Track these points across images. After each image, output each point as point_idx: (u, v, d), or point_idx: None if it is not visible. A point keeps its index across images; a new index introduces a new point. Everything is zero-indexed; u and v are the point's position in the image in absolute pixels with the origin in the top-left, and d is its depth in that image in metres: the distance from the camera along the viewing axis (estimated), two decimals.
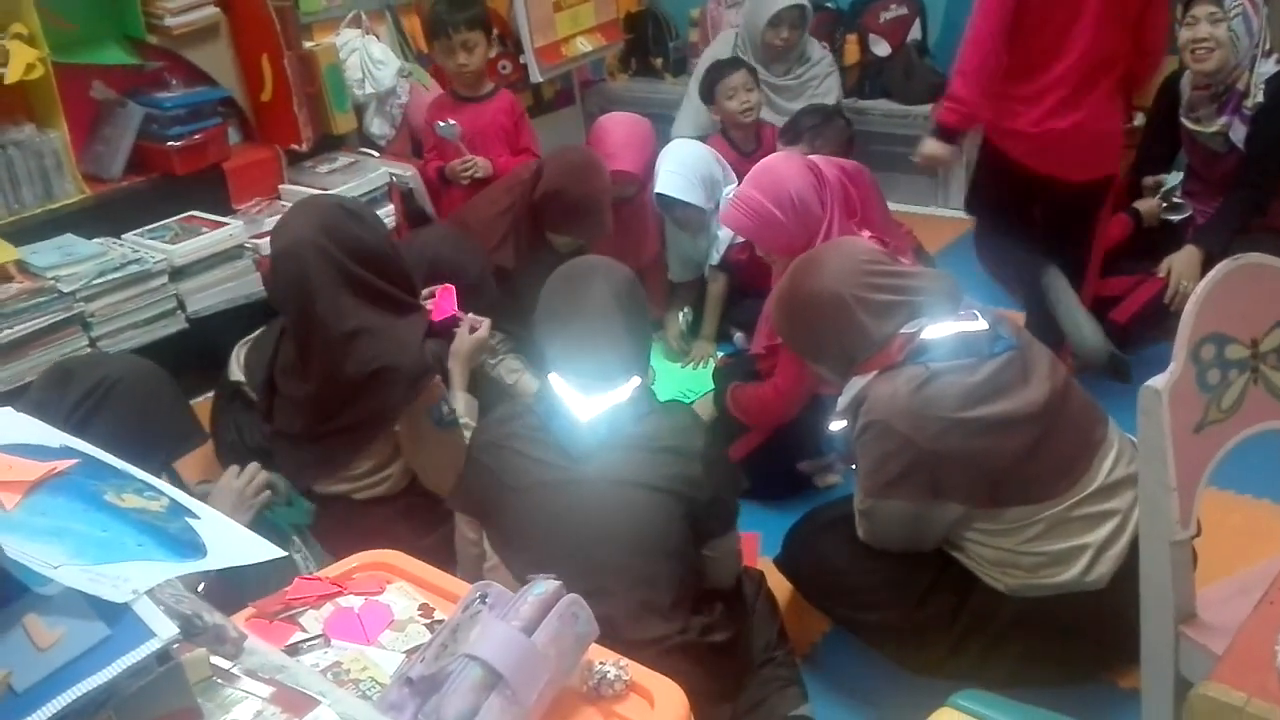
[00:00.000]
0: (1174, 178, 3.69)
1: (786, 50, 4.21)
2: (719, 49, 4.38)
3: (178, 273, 3.39)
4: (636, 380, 1.94)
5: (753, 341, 2.96)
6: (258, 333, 2.87)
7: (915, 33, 4.72)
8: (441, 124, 3.72)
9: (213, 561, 1.08)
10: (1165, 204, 3.62)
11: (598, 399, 1.90)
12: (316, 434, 2.44)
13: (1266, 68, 3.24)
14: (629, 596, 1.80)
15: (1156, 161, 3.72)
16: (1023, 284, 3.21)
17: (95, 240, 3.37)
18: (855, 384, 2.05)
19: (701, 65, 4.33)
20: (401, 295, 2.46)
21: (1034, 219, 3.19)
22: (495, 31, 4.16)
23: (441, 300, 2.61)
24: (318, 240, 2.34)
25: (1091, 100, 2.89)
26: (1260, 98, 3.23)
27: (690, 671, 1.66)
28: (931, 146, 3.09)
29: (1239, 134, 3.29)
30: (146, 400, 2.07)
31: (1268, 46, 3.26)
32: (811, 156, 3.07)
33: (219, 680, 1.19)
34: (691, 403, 3.20)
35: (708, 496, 1.91)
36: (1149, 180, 3.66)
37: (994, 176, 3.10)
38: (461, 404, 2.52)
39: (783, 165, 2.76)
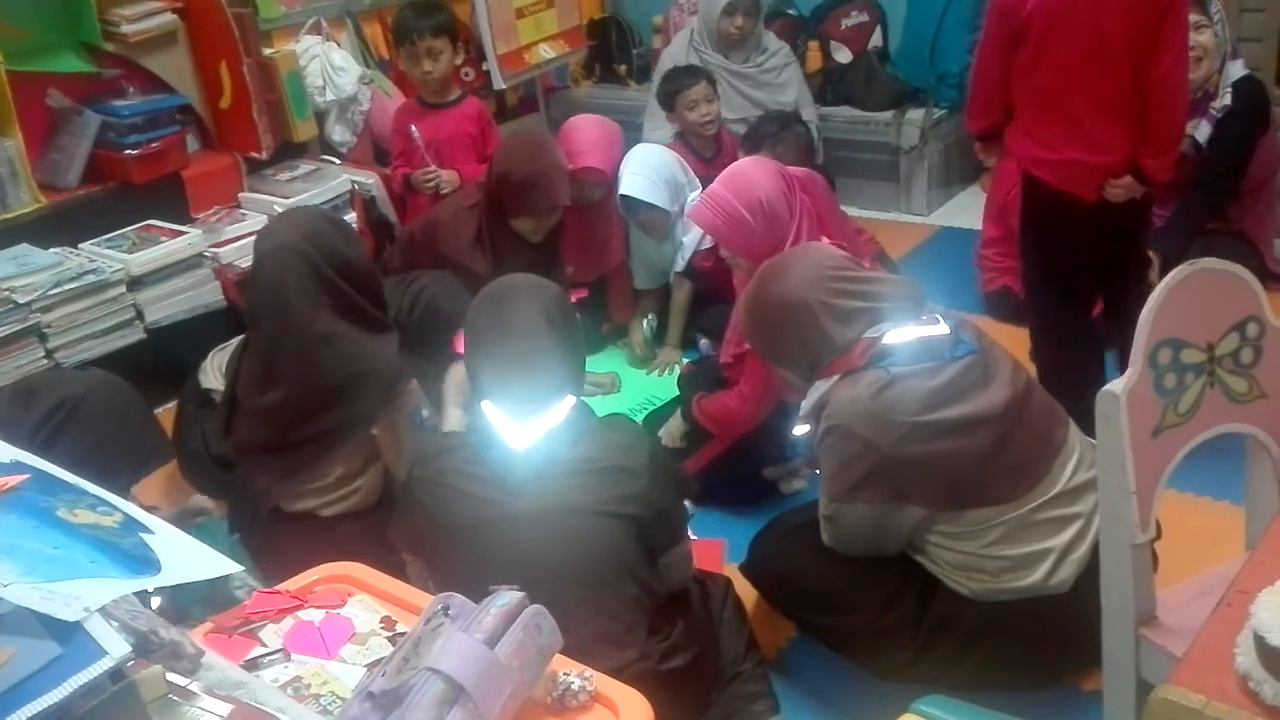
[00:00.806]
0: None
1: (743, 38, 4.23)
2: (676, 48, 4.40)
3: (136, 282, 3.36)
4: (571, 399, 1.90)
5: (721, 350, 2.96)
6: (235, 340, 2.85)
7: (876, 40, 4.76)
8: (416, 129, 3.69)
9: (167, 577, 1.07)
10: None
11: (532, 424, 1.86)
12: (285, 442, 2.39)
13: (1234, 70, 3.28)
14: (581, 630, 1.66)
15: None
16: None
17: (51, 250, 3.33)
18: (818, 388, 2.06)
19: (661, 67, 4.35)
20: (376, 314, 2.47)
21: (1082, 248, 2.92)
22: (461, 38, 4.15)
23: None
24: (300, 245, 2.35)
25: (1110, 135, 2.63)
26: (1228, 100, 3.27)
27: (653, 699, 1.60)
28: (980, 151, 3.11)
29: (1204, 134, 3.33)
30: (111, 418, 2.05)
31: (1230, 49, 3.30)
32: (746, 158, 3.10)
33: (175, 698, 1.17)
34: (658, 411, 3.19)
35: (654, 512, 1.88)
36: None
37: (1036, 208, 2.86)
38: (455, 420, 2.50)
39: (755, 170, 2.77)
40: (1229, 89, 3.28)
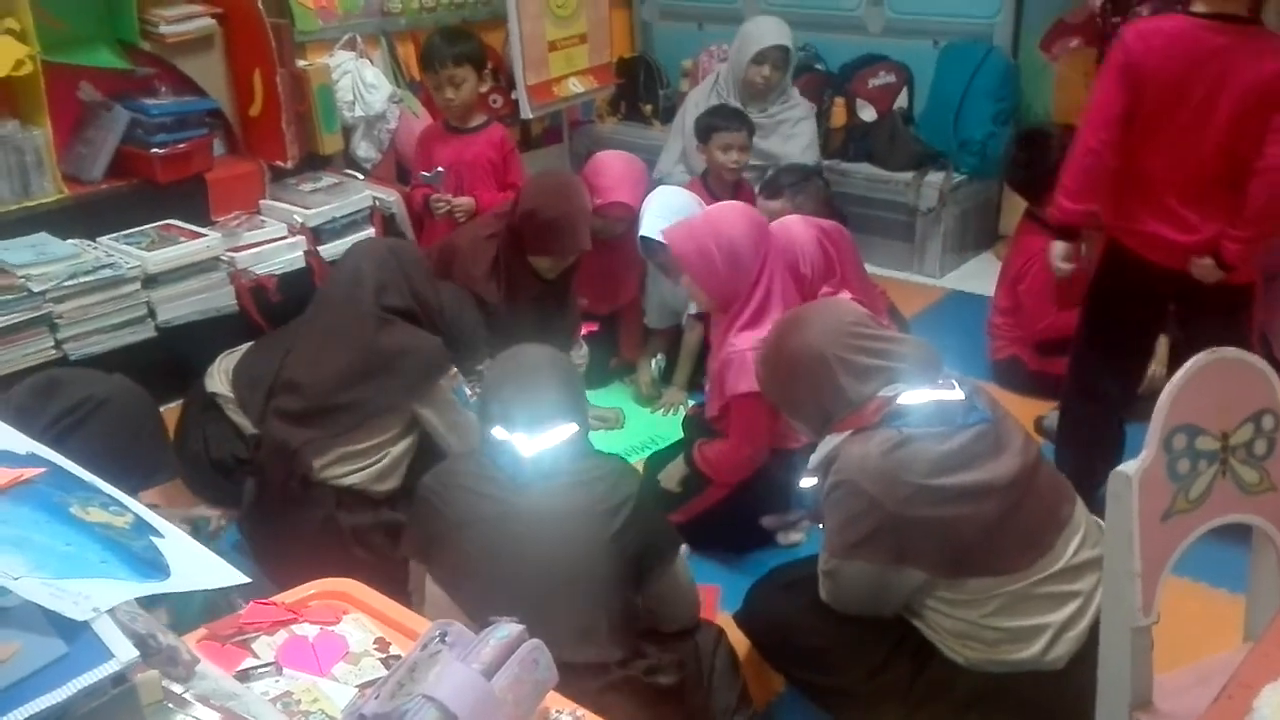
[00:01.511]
0: None
1: (767, 89, 4.26)
2: (699, 92, 4.43)
3: (151, 280, 3.37)
4: (574, 427, 2.03)
5: (706, 406, 2.96)
6: (245, 346, 2.86)
7: (902, 100, 4.80)
8: (426, 174, 3.73)
9: (176, 583, 1.06)
10: None
11: (539, 439, 1.99)
12: (326, 405, 2.52)
13: None
14: (569, 622, 1.85)
15: None
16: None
17: (70, 241, 3.34)
18: (829, 442, 2.06)
19: (685, 108, 4.38)
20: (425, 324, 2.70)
21: (1161, 321, 2.93)
22: (490, 66, 4.19)
23: None
24: (385, 246, 2.79)
25: (1195, 216, 2.60)
26: None
27: (635, 715, 1.75)
28: (1056, 249, 2.92)
29: None
30: (128, 426, 2.07)
31: None
32: (792, 215, 3.12)
33: (169, 704, 1.16)
34: (661, 452, 3.18)
35: (640, 529, 1.98)
36: None
37: (1116, 278, 2.80)
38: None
39: (734, 213, 2.86)
40: None
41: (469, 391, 2.60)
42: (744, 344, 2.68)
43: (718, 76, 4.40)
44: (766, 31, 4.22)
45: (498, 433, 2.01)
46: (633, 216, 3.57)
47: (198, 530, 2.35)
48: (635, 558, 1.98)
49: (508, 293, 3.24)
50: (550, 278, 3.30)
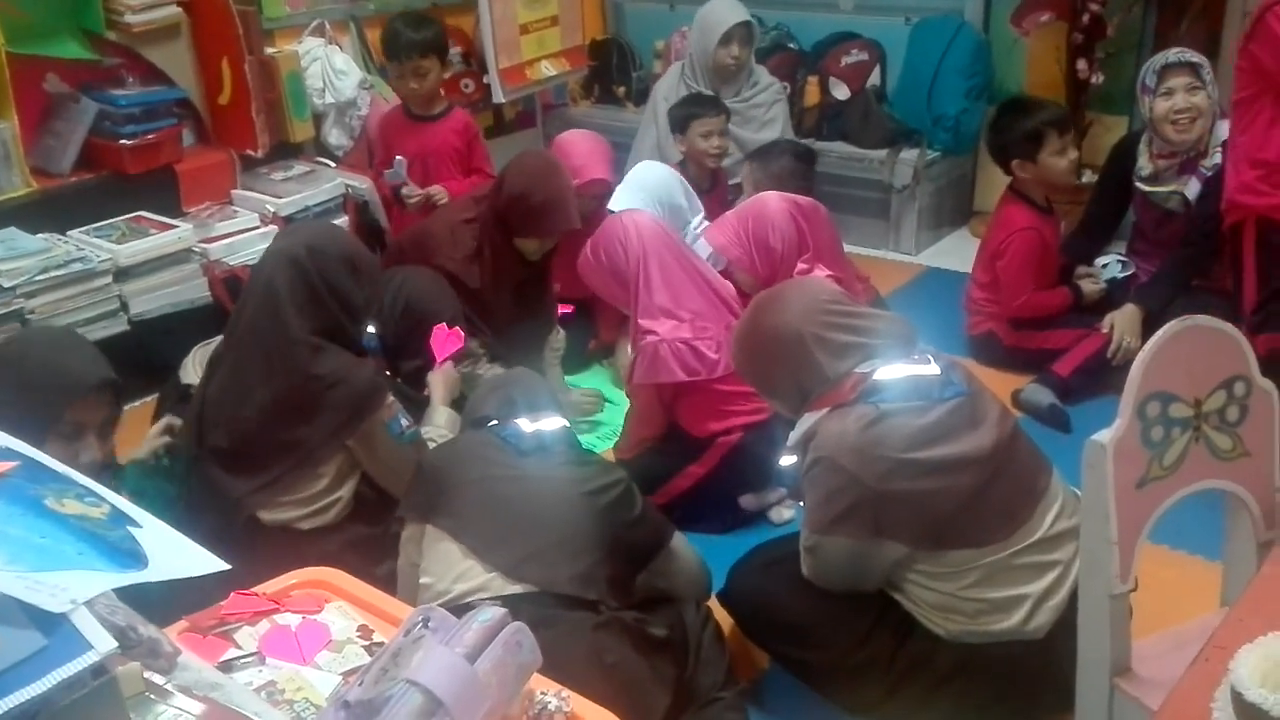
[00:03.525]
0: (1108, 262, 3.75)
1: (738, 69, 4.26)
2: (666, 83, 4.41)
3: (122, 273, 3.34)
4: (562, 420, 2.25)
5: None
6: (218, 338, 2.82)
7: (875, 79, 4.80)
8: (387, 170, 3.68)
9: (154, 573, 1.05)
10: (1107, 280, 3.67)
11: (539, 422, 2.19)
12: (259, 450, 2.34)
13: (1223, 131, 3.33)
14: (570, 569, 1.99)
15: (1103, 224, 3.79)
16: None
17: (40, 235, 3.31)
18: (807, 420, 2.07)
19: (656, 99, 4.36)
20: (356, 340, 2.46)
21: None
22: (460, 50, 4.17)
23: (442, 342, 2.82)
24: (298, 254, 2.36)
25: None
26: (1217, 159, 3.31)
27: (626, 658, 1.86)
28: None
29: (1194, 191, 3.36)
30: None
31: (1220, 110, 3.35)
32: (770, 191, 3.14)
33: (151, 696, 1.16)
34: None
35: (631, 512, 2.13)
36: (1081, 270, 3.69)
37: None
38: (443, 418, 2.64)
39: (607, 225, 3.06)
40: (1218, 148, 3.32)
41: (404, 423, 2.43)
42: (658, 333, 2.83)
43: (683, 66, 4.38)
44: (726, 10, 4.21)
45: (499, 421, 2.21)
46: (608, 191, 3.57)
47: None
48: (629, 538, 2.11)
49: (492, 277, 3.23)
50: (534, 259, 3.29)
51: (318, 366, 2.32)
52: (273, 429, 2.34)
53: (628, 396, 3.04)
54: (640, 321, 2.89)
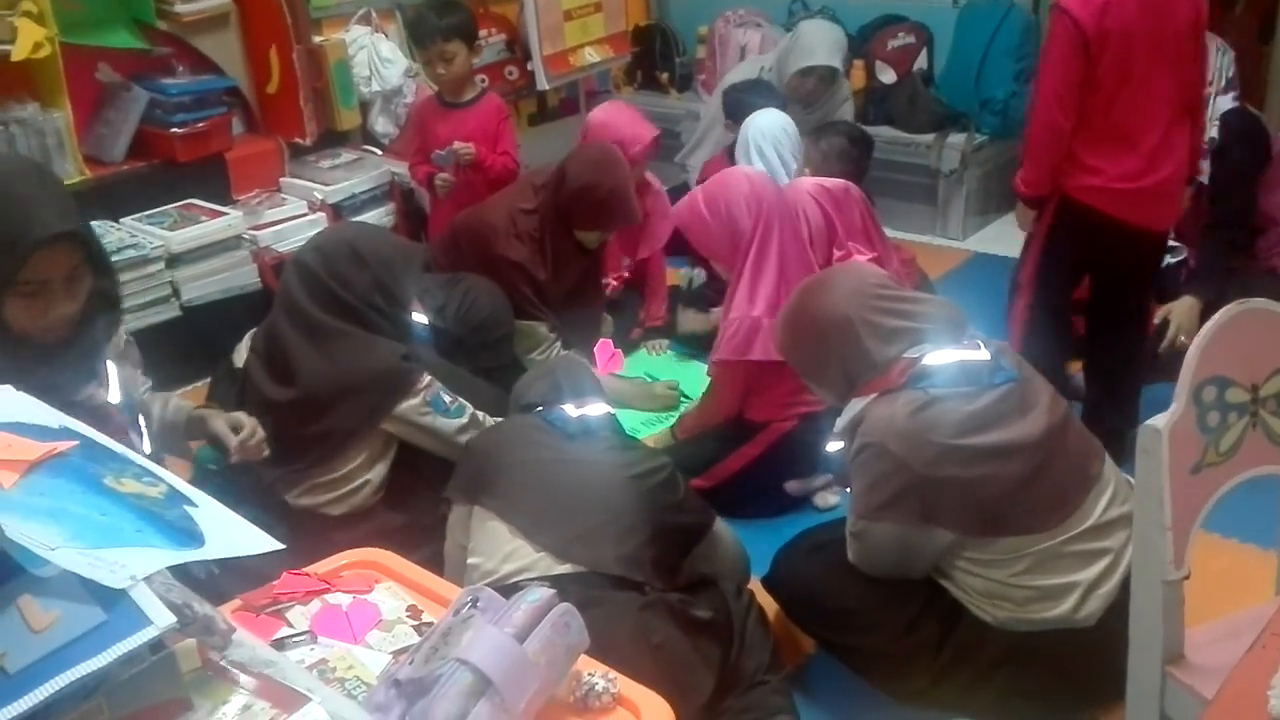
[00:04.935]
0: None
1: (810, 100, 4.20)
2: (742, 73, 4.35)
3: (174, 260, 3.39)
4: (606, 406, 2.32)
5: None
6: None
7: (922, 62, 4.75)
8: (439, 152, 3.64)
9: (210, 551, 1.07)
10: None
11: (584, 409, 2.26)
12: (292, 438, 2.37)
13: (1223, 104, 3.26)
14: (616, 550, 2.02)
15: None
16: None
17: (93, 223, 3.33)
18: (855, 405, 2.06)
19: (722, 86, 4.31)
20: (382, 322, 2.47)
21: (1105, 274, 3.02)
22: (505, 37, 4.16)
23: (606, 360, 3.24)
24: (304, 256, 2.52)
25: (1175, 150, 2.74)
26: (1214, 133, 3.25)
27: (671, 638, 1.88)
28: (1021, 214, 3.04)
29: (1205, 171, 3.31)
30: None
31: (1223, 84, 3.28)
32: (808, 177, 3.13)
33: (208, 672, 1.18)
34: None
35: (675, 496, 2.19)
36: None
37: (1069, 234, 2.89)
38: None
39: (729, 177, 2.94)
40: (1216, 121, 3.26)
41: (446, 399, 2.46)
42: (744, 310, 2.78)
43: (763, 69, 4.32)
44: (818, 47, 4.12)
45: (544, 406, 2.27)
46: (658, 149, 3.67)
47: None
48: (674, 521, 2.17)
49: (553, 267, 3.23)
50: (593, 247, 3.31)
51: (336, 358, 2.39)
52: (303, 420, 2.39)
53: (708, 375, 2.97)
54: (739, 291, 2.81)
